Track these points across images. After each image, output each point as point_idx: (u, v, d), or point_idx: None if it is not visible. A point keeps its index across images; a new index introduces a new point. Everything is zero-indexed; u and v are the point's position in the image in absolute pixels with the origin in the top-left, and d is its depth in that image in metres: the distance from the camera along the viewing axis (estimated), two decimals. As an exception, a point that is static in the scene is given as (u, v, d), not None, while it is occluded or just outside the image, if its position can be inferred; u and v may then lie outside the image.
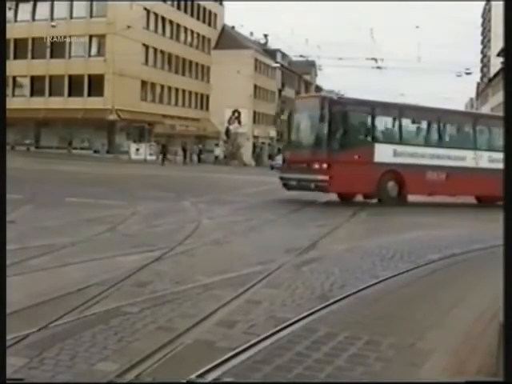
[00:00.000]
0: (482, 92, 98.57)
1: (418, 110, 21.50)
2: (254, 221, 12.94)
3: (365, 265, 8.26)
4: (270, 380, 4.03)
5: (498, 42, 64.83)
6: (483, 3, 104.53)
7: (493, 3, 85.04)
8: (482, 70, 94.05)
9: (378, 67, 41.40)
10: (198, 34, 71.09)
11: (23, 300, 5.49)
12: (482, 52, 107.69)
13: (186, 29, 67.90)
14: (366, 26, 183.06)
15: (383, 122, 20.04)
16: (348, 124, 18.42)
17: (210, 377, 3.94)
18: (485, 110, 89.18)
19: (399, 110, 19.88)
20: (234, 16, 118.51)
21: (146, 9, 58.73)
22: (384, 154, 18.58)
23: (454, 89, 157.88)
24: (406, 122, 20.35)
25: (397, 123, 19.86)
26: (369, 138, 18.90)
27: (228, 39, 74.48)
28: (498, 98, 63.82)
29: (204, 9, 72.28)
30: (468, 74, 46.59)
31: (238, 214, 14.29)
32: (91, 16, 57.17)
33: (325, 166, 17.74)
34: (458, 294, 6.85)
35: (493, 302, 5.75)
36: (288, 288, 6.69)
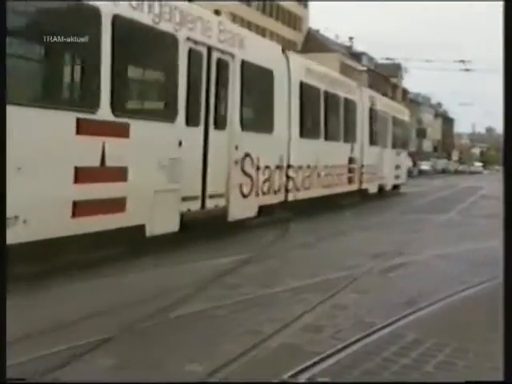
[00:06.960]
0: None
1: None
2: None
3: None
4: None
5: None
6: None
7: None
8: None
9: (466, 69, 40.49)
10: (284, 38, 71.47)
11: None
12: None
13: (271, 32, 68.40)
14: (453, 26, 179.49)
15: None
16: None
17: (303, 378, 4.07)
18: None
19: None
20: (318, 19, 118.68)
21: (232, 13, 59.63)
22: None
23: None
24: None
25: None
26: None
27: (314, 42, 74.50)
28: None
29: (288, 12, 72.67)
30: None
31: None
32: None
33: None
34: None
35: None
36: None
